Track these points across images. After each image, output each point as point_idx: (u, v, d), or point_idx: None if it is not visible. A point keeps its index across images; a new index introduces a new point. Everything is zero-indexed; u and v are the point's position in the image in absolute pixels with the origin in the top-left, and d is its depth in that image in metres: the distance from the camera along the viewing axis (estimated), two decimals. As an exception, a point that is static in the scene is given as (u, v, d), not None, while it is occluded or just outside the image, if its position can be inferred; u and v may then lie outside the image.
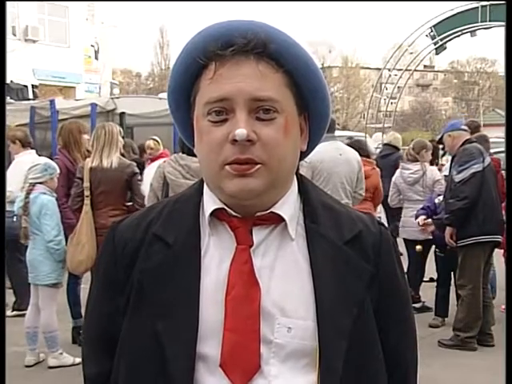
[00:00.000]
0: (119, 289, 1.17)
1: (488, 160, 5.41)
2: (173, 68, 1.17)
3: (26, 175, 6.20)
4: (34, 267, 4.92)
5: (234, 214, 1.13)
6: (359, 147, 6.10)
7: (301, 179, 1.22)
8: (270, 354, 1.10)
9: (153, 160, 7.41)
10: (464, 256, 5.47)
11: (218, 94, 1.07)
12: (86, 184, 4.97)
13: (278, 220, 1.14)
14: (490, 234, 5.35)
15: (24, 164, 6.26)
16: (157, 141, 8.08)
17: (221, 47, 1.07)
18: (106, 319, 1.20)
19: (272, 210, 1.13)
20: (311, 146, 1.22)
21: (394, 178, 6.91)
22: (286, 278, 1.12)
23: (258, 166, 1.07)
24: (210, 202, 1.16)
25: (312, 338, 1.10)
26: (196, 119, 1.13)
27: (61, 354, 5.00)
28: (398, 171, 6.92)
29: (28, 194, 4.94)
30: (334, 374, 1.09)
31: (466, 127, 5.81)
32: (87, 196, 4.98)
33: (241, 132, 1.04)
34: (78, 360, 4.99)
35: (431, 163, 7.10)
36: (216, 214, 1.15)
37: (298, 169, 1.21)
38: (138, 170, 5.26)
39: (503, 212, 5.45)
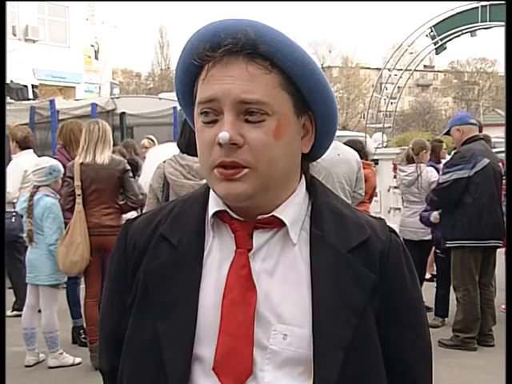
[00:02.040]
0: (128, 288, 1.18)
1: (484, 163, 5.34)
2: (176, 67, 1.17)
3: (24, 176, 6.23)
4: (36, 267, 4.91)
5: (235, 216, 1.13)
6: (356, 149, 6.07)
7: (311, 181, 1.19)
8: (264, 360, 1.08)
9: None
10: (454, 258, 5.52)
11: (207, 94, 1.07)
12: (77, 183, 4.84)
13: (280, 224, 1.12)
14: (477, 239, 5.34)
15: (22, 164, 6.28)
16: (152, 140, 8.07)
17: (210, 48, 1.07)
18: (115, 316, 1.21)
19: (273, 213, 1.12)
20: (321, 148, 1.19)
21: (397, 184, 6.97)
22: (285, 283, 1.10)
23: (246, 170, 1.06)
24: (213, 204, 1.15)
25: (308, 346, 1.08)
26: (195, 119, 1.13)
27: (61, 354, 4.99)
28: (398, 177, 6.96)
29: (32, 196, 4.92)
30: None
31: (475, 121, 5.77)
32: (79, 195, 4.86)
33: (223, 135, 1.03)
34: (78, 360, 5.00)
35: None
36: (219, 216, 1.15)
37: (307, 169, 1.19)
38: (129, 167, 5.12)
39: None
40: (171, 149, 3.90)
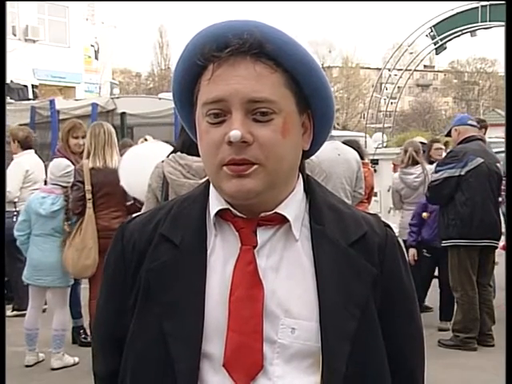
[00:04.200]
0: (127, 289, 1.18)
1: (476, 162, 5.36)
2: (175, 69, 1.17)
3: (26, 175, 6.24)
4: (55, 269, 4.87)
5: (238, 214, 1.14)
6: (353, 148, 6.06)
7: (307, 179, 1.21)
8: (273, 354, 1.10)
9: None
10: (451, 258, 5.54)
11: (215, 94, 1.08)
12: (88, 187, 4.84)
13: (283, 220, 1.14)
14: (471, 238, 5.35)
15: (23, 164, 6.28)
16: (146, 140, 8.07)
17: (217, 49, 1.08)
18: (114, 318, 1.21)
19: (276, 210, 1.13)
20: (316, 145, 1.21)
21: (393, 185, 6.91)
22: (291, 278, 1.12)
23: (255, 166, 1.07)
24: (215, 202, 1.16)
25: (316, 339, 1.10)
26: (197, 119, 1.14)
27: (63, 354, 4.98)
28: (396, 176, 6.89)
29: (68, 197, 4.92)
30: (336, 376, 1.08)
31: (473, 122, 5.81)
32: (89, 199, 4.85)
33: (235, 133, 1.05)
34: (76, 360, 4.99)
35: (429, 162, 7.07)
36: (221, 215, 1.15)
37: (303, 168, 1.21)
38: None
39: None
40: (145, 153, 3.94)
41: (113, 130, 5.10)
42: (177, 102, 1.21)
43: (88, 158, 4.93)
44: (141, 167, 3.70)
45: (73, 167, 5.04)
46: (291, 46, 1.10)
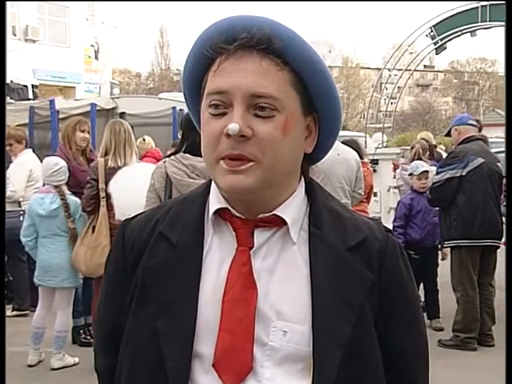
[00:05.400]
0: (126, 286, 1.18)
1: (477, 162, 5.38)
2: (185, 61, 1.17)
3: (30, 175, 6.24)
4: (63, 269, 4.86)
5: (237, 214, 1.13)
6: (352, 148, 6.07)
7: (309, 182, 1.20)
8: (264, 356, 1.09)
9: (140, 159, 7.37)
10: (452, 258, 5.56)
11: (218, 86, 1.07)
12: (102, 185, 4.76)
13: (281, 223, 1.13)
14: (473, 238, 5.35)
15: (26, 163, 6.29)
16: (144, 140, 8.08)
17: (225, 41, 1.08)
18: (113, 316, 1.22)
19: (275, 212, 1.12)
20: (322, 151, 1.20)
21: (396, 182, 6.93)
22: (285, 281, 1.11)
23: (251, 163, 1.06)
24: (214, 201, 1.16)
25: (308, 343, 1.08)
26: (202, 111, 1.13)
27: (63, 355, 4.98)
28: (397, 173, 6.91)
29: (64, 195, 4.90)
30: (327, 381, 1.07)
31: (474, 122, 5.82)
32: (103, 197, 4.78)
33: (233, 126, 1.04)
34: (77, 360, 4.99)
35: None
36: (220, 214, 1.15)
37: (307, 171, 1.20)
38: None
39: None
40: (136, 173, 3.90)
41: (131, 129, 5.05)
42: (186, 95, 1.21)
43: (106, 155, 4.86)
44: (133, 188, 3.71)
45: (62, 165, 4.98)
46: (299, 45, 1.10)
